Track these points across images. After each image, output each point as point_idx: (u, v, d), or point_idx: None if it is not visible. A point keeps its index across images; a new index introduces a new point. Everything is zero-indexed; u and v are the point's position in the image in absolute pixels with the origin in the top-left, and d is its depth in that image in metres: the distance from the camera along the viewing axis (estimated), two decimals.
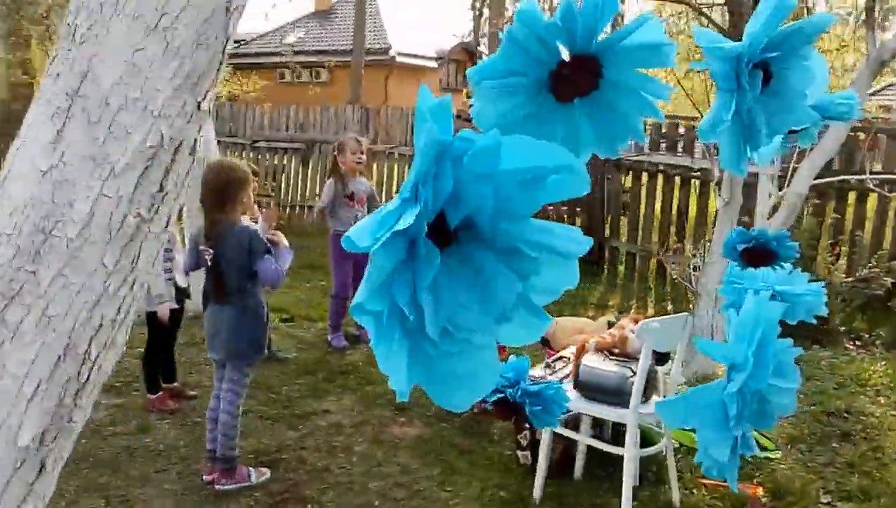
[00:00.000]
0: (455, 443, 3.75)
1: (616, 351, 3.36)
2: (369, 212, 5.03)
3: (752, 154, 1.27)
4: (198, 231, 3.31)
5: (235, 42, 21.52)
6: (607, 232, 7.64)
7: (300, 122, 9.73)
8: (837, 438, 3.87)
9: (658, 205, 7.30)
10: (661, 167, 7.19)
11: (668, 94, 0.91)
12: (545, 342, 4.31)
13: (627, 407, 3.04)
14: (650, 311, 6.34)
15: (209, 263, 3.16)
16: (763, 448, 3.69)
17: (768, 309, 1.22)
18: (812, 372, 4.67)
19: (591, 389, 3.14)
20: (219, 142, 10.08)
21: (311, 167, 9.59)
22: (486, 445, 3.76)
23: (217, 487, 3.24)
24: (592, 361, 3.24)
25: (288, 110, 10.00)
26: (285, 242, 3.27)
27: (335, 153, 5.26)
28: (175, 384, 4.22)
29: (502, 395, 1.93)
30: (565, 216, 7.92)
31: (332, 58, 23.91)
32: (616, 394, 3.08)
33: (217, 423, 3.27)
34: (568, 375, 3.45)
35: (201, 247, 3.19)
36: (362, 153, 5.10)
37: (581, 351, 3.50)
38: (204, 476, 3.30)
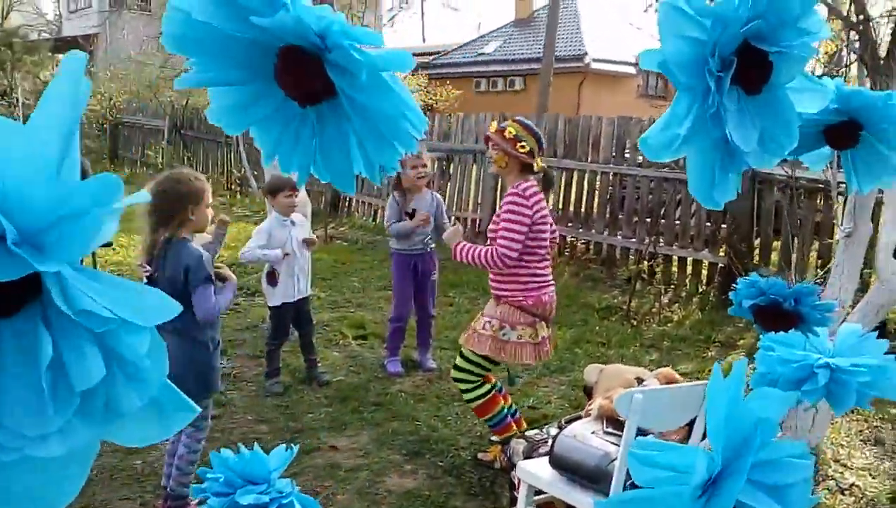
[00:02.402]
0: (450, 505, 3.20)
1: (623, 419, 2.64)
2: (436, 230, 4.65)
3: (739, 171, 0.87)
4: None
5: (431, 54, 22.48)
6: (756, 257, 6.55)
7: (443, 131, 9.48)
8: None
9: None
10: (822, 184, 6.01)
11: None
12: (588, 393, 3.61)
13: (607, 495, 2.34)
14: None
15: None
16: None
17: (759, 397, 0.87)
18: None
19: (565, 467, 2.47)
20: None
21: (448, 177, 9.28)
22: None
23: None
24: (579, 431, 2.56)
25: (433, 118, 9.80)
26: (232, 277, 2.96)
27: (398, 168, 4.86)
28: None
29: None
30: (707, 235, 6.91)
31: (527, 66, 23.68)
32: (594, 479, 2.39)
33: (175, 457, 3.01)
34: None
35: (140, 266, 2.93)
36: (423, 165, 4.65)
37: (587, 415, 2.83)
38: None
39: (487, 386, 3.50)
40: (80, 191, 0.49)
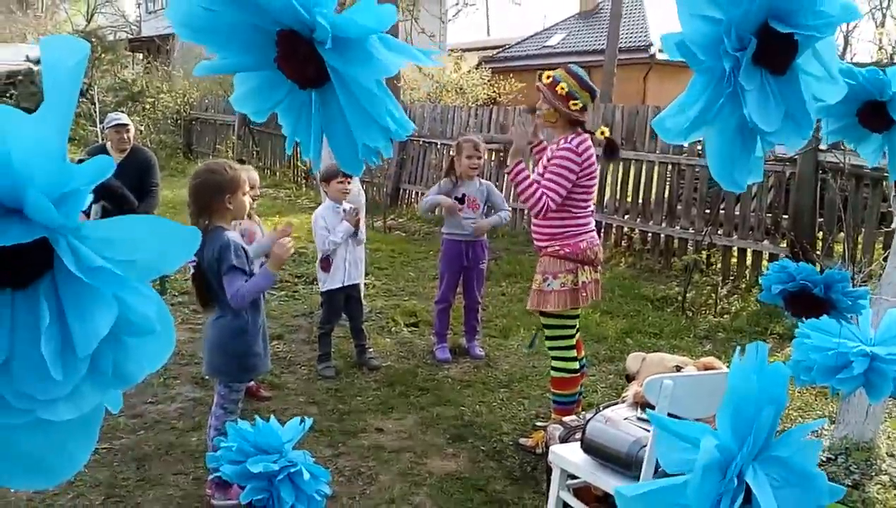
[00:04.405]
0: (490, 489, 3.25)
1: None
2: (487, 214, 4.70)
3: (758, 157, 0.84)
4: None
5: (495, 48, 22.44)
6: (819, 247, 6.36)
7: (500, 123, 9.48)
8: None
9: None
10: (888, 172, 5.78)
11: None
12: (629, 379, 3.60)
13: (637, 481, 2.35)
14: None
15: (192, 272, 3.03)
16: None
17: (768, 375, 0.80)
18: None
19: (595, 452, 2.48)
20: (428, 142, 10.23)
21: (506, 168, 9.29)
22: (524, 495, 3.20)
23: (212, 501, 3.11)
24: (611, 417, 2.57)
25: (490, 110, 9.81)
26: (278, 264, 2.99)
27: (453, 154, 4.93)
28: (251, 382, 4.19)
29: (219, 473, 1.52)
30: (768, 225, 6.74)
31: (591, 57, 23.41)
32: (625, 464, 2.40)
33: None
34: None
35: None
36: (479, 158, 4.71)
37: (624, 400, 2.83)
38: (207, 490, 3.19)
39: (577, 364, 3.58)
40: (78, 171, 0.55)
